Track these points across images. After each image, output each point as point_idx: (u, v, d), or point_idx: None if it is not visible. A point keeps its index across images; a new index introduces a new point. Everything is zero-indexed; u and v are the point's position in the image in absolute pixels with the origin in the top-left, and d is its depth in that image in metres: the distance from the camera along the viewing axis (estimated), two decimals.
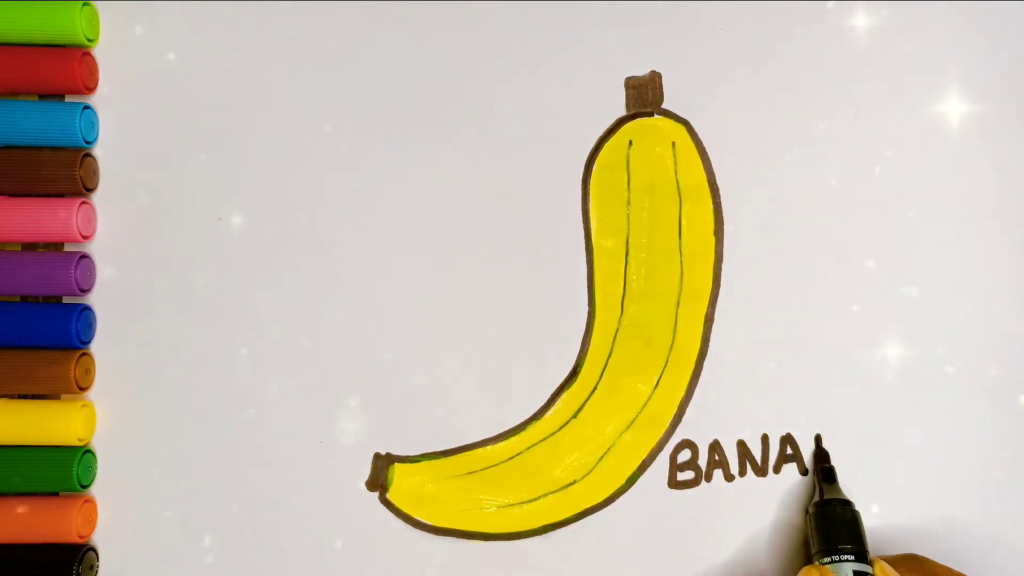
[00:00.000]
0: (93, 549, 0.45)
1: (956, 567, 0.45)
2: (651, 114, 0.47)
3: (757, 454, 0.46)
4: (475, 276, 0.47)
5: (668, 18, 0.47)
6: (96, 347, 0.46)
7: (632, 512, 0.46)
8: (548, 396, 0.46)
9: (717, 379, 0.46)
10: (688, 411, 0.46)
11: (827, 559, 0.42)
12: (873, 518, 0.46)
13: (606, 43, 0.47)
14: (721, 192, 0.47)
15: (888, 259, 0.47)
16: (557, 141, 0.47)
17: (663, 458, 0.46)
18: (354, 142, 0.47)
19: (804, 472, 0.46)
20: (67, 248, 0.46)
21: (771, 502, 0.46)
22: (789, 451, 0.46)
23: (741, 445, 0.46)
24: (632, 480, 0.46)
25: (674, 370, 0.46)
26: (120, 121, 0.47)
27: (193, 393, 0.46)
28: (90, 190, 0.46)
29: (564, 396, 0.46)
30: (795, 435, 0.46)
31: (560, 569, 0.46)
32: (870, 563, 0.42)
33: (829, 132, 0.47)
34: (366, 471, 0.46)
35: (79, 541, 0.45)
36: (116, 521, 0.46)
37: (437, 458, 0.46)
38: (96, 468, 0.46)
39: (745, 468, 0.46)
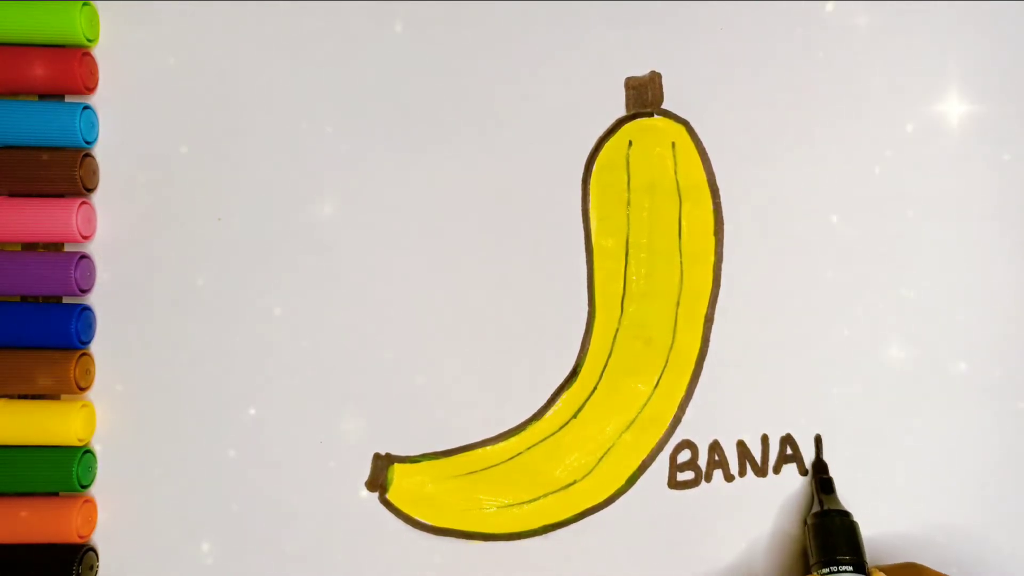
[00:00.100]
0: (93, 549, 0.45)
1: (955, 574, 0.45)
2: (651, 114, 0.47)
3: (757, 454, 0.46)
4: (475, 276, 0.47)
5: (668, 18, 0.47)
6: (96, 347, 0.46)
7: (632, 512, 0.46)
8: (548, 396, 0.46)
9: (717, 379, 0.46)
10: (688, 411, 0.46)
11: (826, 570, 0.42)
12: (872, 521, 0.46)
13: (606, 43, 0.47)
14: (721, 192, 0.47)
15: (888, 259, 0.47)
16: (557, 141, 0.47)
17: (663, 458, 0.46)
18: (354, 142, 0.47)
19: (804, 472, 0.46)
20: (67, 248, 0.46)
21: (771, 502, 0.46)
22: (789, 451, 0.46)
23: (741, 445, 0.46)
24: (632, 480, 0.46)
25: (674, 370, 0.46)
26: (120, 121, 0.47)
27: (193, 393, 0.46)
28: (90, 190, 0.46)
29: (564, 396, 0.46)
30: (795, 435, 0.46)
31: (560, 569, 0.46)
32: (868, 574, 0.42)
33: (829, 132, 0.47)
34: (366, 471, 0.46)
35: (79, 541, 0.45)
36: (116, 521, 0.46)
37: (437, 458, 0.46)
38: (96, 468, 0.46)
39: (745, 468, 0.46)
